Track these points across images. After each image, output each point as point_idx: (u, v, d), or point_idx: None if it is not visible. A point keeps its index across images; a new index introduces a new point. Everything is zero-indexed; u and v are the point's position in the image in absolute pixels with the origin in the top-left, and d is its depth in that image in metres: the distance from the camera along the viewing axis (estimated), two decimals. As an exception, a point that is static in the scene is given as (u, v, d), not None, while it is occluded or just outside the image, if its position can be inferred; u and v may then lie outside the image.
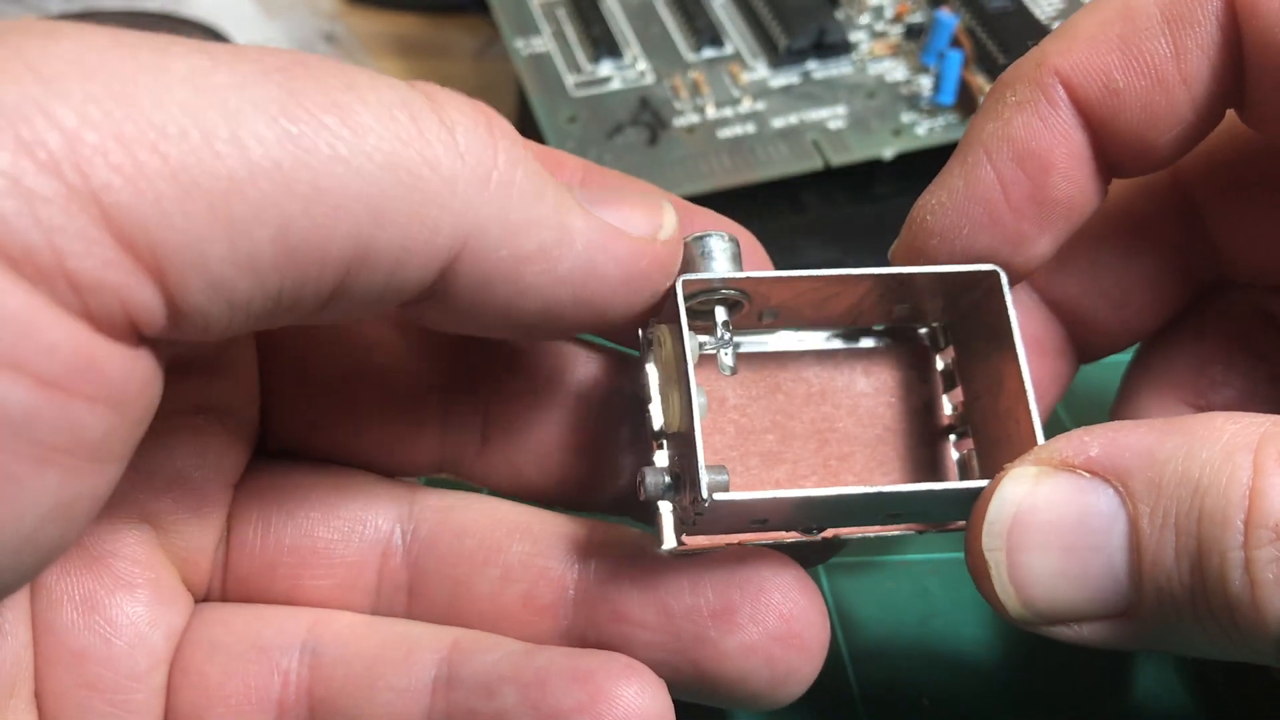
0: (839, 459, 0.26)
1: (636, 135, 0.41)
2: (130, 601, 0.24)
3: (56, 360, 0.16)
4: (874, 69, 0.44)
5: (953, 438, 0.26)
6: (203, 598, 0.26)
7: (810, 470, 0.26)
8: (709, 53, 0.44)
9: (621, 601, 0.24)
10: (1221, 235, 0.27)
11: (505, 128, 0.20)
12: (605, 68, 0.43)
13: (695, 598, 0.24)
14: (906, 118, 0.43)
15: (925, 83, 0.43)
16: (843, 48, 0.44)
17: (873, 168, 0.42)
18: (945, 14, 0.43)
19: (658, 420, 0.24)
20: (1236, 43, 0.23)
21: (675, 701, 0.23)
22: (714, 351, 0.24)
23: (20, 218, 0.15)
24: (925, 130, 0.42)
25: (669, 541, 0.23)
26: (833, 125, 0.42)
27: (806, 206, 0.42)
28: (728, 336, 0.24)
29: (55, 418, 0.16)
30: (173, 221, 0.16)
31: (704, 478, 0.22)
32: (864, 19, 0.45)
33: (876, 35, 0.45)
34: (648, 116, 0.42)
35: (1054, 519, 0.21)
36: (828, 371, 0.26)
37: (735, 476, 0.25)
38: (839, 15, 0.45)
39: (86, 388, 0.16)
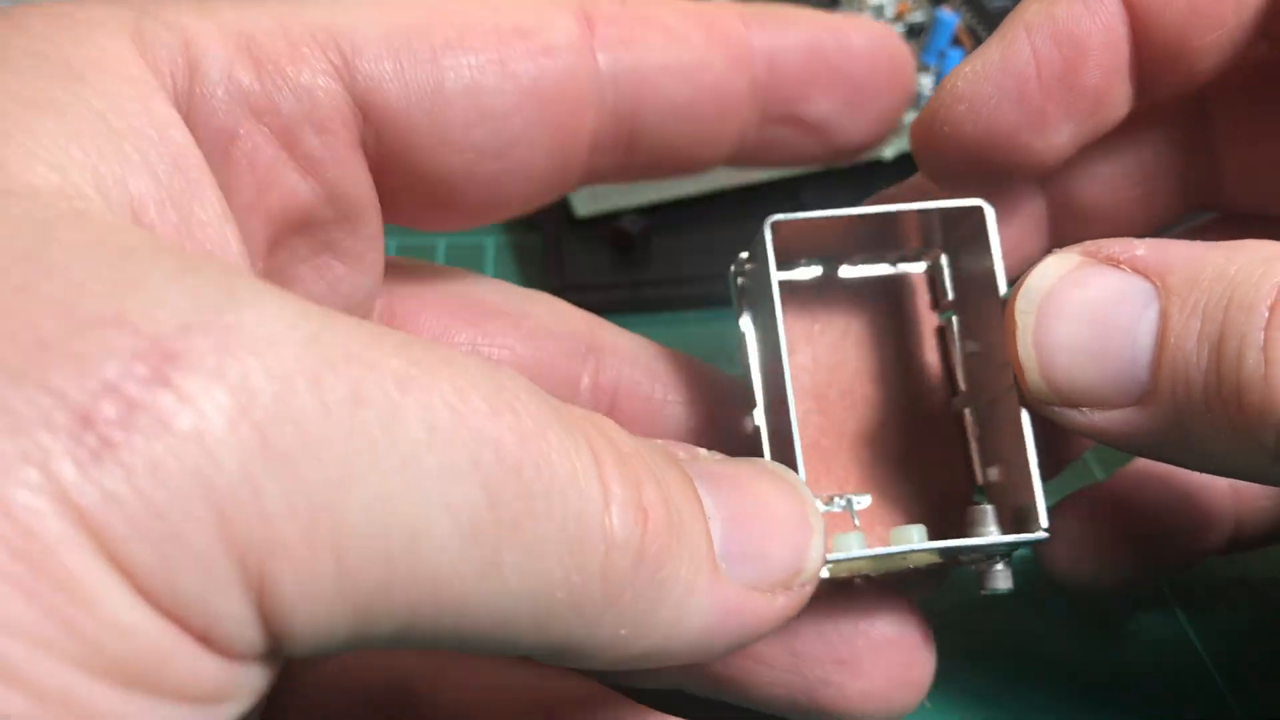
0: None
1: (637, 135, 0.41)
2: None
3: (203, 682, 0.15)
4: (875, 68, 0.44)
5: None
6: None
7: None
8: (709, 52, 0.44)
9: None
10: (1228, 154, 0.27)
11: (664, 517, 0.18)
12: (605, 67, 0.43)
13: (822, 644, 0.25)
14: (907, 117, 0.42)
15: (926, 82, 0.43)
16: (843, 47, 0.44)
17: (873, 167, 0.42)
18: (946, 13, 0.43)
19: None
20: None
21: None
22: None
23: (195, 601, 0.14)
24: (926, 129, 0.42)
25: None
26: (833, 124, 0.42)
27: (807, 206, 0.41)
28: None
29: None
30: (317, 616, 0.15)
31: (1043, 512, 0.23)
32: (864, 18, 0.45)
33: (877, 34, 0.45)
34: (648, 116, 0.42)
35: (1089, 296, 0.22)
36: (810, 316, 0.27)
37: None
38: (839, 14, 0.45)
39: (235, 696, 0.16)
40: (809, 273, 0.27)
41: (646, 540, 0.18)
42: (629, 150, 0.25)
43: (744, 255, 0.25)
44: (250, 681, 0.16)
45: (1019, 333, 0.22)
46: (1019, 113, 0.24)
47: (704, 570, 0.19)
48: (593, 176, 0.25)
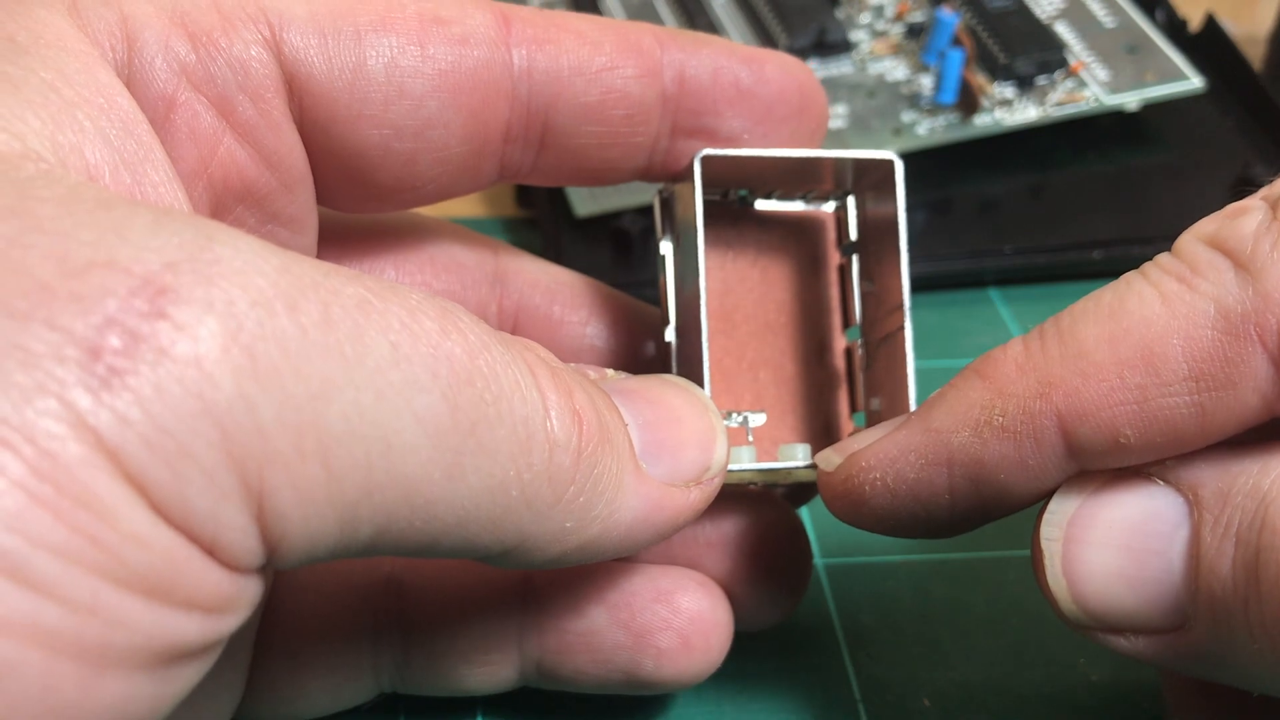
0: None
1: (637, 135, 0.41)
2: None
3: (210, 592, 0.17)
4: (874, 68, 0.44)
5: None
6: None
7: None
8: (709, 52, 0.44)
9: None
10: None
11: (594, 419, 0.20)
12: (605, 67, 0.43)
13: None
14: (907, 117, 0.42)
15: (926, 82, 0.43)
16: (843, 47, 0.44)
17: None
18: (946, 13, 0.43)
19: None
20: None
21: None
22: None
23: (203, 513, 0.16)
24: (926, 130, 0.42)
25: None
26: (833, 125, 0.42)
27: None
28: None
29: (216, 631, 0.17)
30: (309, 522, 0.17)
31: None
32: (864, 18, 0.45)
33: (877, 34, 0.45)
34: (648, 116, 0.42)
35: (1117, 517, 0.21)
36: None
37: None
38: (839, 14, 0.45)
39: (237, 608, 0.17)
40: (728, 201, 0.28)
41: (583, 441, 0.20)
42: (542, 147, 0.26)
43: (671, 183, 0.27)
44: (248, 593, 0.17)
45: (1046, 561, 0.21)
46: (926, 532, 0.23)
47: (629, 468, 0.21)
48: (506, 172, 0.26)
